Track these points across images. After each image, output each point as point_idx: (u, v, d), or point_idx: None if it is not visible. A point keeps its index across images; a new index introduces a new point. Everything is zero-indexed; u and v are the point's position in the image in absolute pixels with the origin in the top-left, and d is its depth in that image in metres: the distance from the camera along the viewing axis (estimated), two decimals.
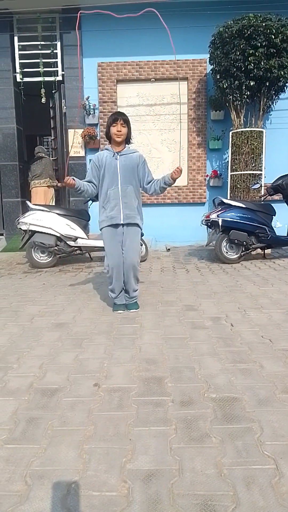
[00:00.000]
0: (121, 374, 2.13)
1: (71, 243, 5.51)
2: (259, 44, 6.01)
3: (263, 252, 5.95)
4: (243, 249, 5.45)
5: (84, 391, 1.95)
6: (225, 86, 6.39)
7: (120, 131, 3.26)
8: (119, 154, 3.30)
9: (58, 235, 5.43)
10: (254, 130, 6.61)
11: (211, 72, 6.86)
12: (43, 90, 7.61)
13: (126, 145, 3.40)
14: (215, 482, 1.30)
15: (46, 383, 2.05)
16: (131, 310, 3.42)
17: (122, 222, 3.29)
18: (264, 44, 6.03)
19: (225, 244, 5.45)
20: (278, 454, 1.43)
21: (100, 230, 3.43)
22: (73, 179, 3.24)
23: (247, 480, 1.31)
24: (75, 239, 5.50)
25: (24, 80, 7.72)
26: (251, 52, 6.04)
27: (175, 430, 1.60)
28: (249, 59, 6.05)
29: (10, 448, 1.52)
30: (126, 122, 3.31)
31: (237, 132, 6.67)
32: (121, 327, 2.93)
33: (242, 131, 6.61)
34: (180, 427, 1.62)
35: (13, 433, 1.61)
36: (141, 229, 3.45)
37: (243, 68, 6.15)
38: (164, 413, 1.73)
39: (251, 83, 6.23)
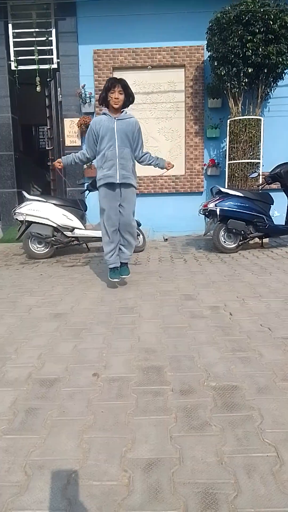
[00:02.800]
0: (120, 363, 2.12)
1: (68, 233, 5.47)
2: (257, 30, 5.93)
3: (261, 241, 5.94)
4: (241, 238, 5.43)
5: (83, 381, 1.94)
6: (222, 73, 6.31)
7: (118, 98, 3.41)
8: (117, 119, 3.45)
9: (55, 225, 5.39)
10: (252, 118, 6.54)
11: (208, 59, 6.77)
12: (38, 78, 7.48)
13: (124, 110, 3.53)
14: (215, 470, 1.30)
15: (45, 373, 2.04)
16: (123, 276, 3.74)
17: (118, 182, 3.46)
18: (262, 30, 5.94)
19: (223, 233, 5.43)
20: (278, 442, 1.43)
21: (98, 188, 3.62)
22: (60, 162, 3.62)
23: (248, 468, 1.31)
24: (72, 229, 5.46)
25: (18, 68, 7.59)
26: (249, 38, 5.95)
27: (175, 419, 1.59)
28: (247, 45, 5.97)
29: (9, 438, 1.51)
30: (124, 88, 3.44)
31: (235, 120, 6.61)
32: (120, 317, 2.92)
33: (240, 119, 6.55)
34: (180, 416, 1.61)
35: (12, 424, 1.60)
36: (136, 188, 3.66)
37: (241, 55, 6.07)
38: (164, 402, 1.72)
39: (249, 70, 6.16)
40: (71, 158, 3.68)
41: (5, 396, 1.81)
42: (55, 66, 7.61)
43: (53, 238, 5.42)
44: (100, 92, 3.54)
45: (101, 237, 5.49)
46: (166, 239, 6.96)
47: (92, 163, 7.53)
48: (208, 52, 6.64)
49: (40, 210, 5.35)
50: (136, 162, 3.70)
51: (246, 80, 6.30)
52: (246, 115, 6.61)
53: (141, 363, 2.11)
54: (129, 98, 3.52)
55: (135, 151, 3.60)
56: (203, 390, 1.81)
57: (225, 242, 5.46)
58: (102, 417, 1.62)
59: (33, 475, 1.31)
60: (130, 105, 3.63)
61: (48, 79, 7.82)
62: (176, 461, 1.35)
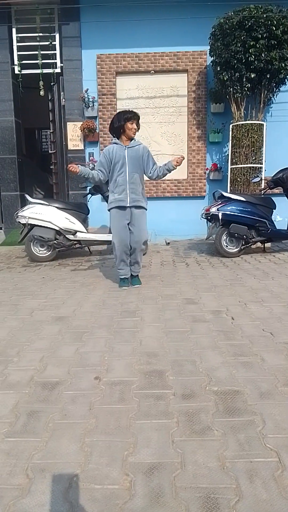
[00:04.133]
0: (122, 367, 2.12)
1: (70, 236, 5.49)
2: (260, 36, 5.94)
3: (263, 246, 5.94)
4: (243, 242, 5.44)
5: (85, 384, 1.94)
6: (225, 78, 6.32)
7: (135, 129, 3.77)
8: (127, 147, 3.77)
9: (57, 228, 5.40)
10: (254, 123, 6.56)
11: (211, 64, 6.80)
12: (41, 83, 7.52)
13: (133, 140, 3.83)
14: (217, 475, 1.30)
15: (47, 376, 2.04)
16: (135, 286, 3.98)
17: (128, 205, 3.76)
18: (265, 35, 5.95)
19: (225, 237, 5.43)
20: (280, 447, 1.43)
21: (109, 210, 3.90)
22: (78, 167, 3.72)
23: (250, 473, 1.30)
24: (74, 232, 5.48)
25: (22, 72, 7.63)
26: (251, 43, 5.97)
27: (177, 423, 1.59)
28: (250, 51, 5.98)
29: (11, 441, 1.51)
30: (138, 121, 3.80)
31: (237, 125, 6.62)
32: (122, 320, 2.92)
33: (242, 124, 6.57)
34: (182, 420, 1.61)
35: (14, 427, 1.60)
36: (146, 209, 3.91)
37: (244, 60, 6.08)
38: (165, 406, 1.72)
39: (252, 75, 6.17)
40: (89, 172, 3.80)
41: (7, 399, 1.81)
42: (58, 70, 7.65)
43: (55, 241, 5.44)
44: (112, 119, 3.84)
45: (102, 241, 5.55)
46: (168, 243, 6.97)
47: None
48: (211, 57, 6.67)
49: (42, 213, 5.37)
50: (150, 179, 3.98)
51: (249, 85, 6.31)
52: (248, 120, 6.63)
53: (143, 367, 2.11)
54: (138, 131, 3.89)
55: (147, 171, 3.86)
56: (205, 394, 1.81)
57: (227, 246, 5.46)
58: (104, 421, 1.62)
59: (34, 478, 1.31)
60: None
61: (51, 83, 7.86)
62: (177, 466, 1.35)
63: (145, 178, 3.93)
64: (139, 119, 3.82)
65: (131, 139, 3.81)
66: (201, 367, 2.09)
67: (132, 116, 3.74)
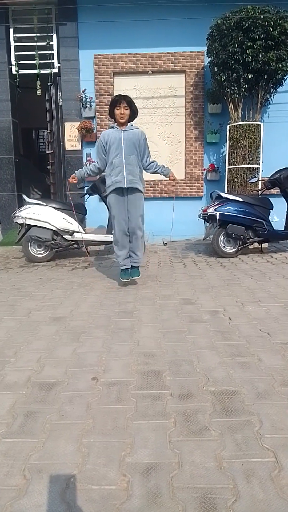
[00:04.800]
0: (119, 367, 2.12)
1: (68, 237, 5.48)
2: (257, 37, 5.96)
3: (260, 246, 5.95)
4: (241, 243, 5.44)
5: (82, 385, 1.94)
6: (222, 79, 6.34)
7: (123, 114, 3.70)
8: (123, 130, 3.74)
9: (55, 229, 5.39)
10: (251, 124, 6.57)
11: (208, 64, 6.81)
12: (38, 83, 7.51)
13: (129, 123, 3.80)
14: (214, 475, 1.30)
15: (44, 377, 2.04)
16: (134, 277, 3.98)
17: (125, 186, 3.70)
18: (262, 36, 5.97)
19: (222, 238, 5.44)
20: (277, 447, 1.43)
21: (107, 196, 3.89)
22: (74, 177, 3.92)
23: (247, 473, 1.31)
24: (71, 233, 5.47)
25: (19, 73, 7.62)
26: (249, 44, 5.99)
27: (174, 424, 1.59)
28: (247, 51, 6.00)
29: (8, 442, 1.51)
30: (129, 104, 3.72)
31: (234, 125, 6.64)
32: (119, 321, 2.92)
33: (239, 124, 6.58)
34: (179, 420, 1.61)
35: (11, 427, 1.60)
36: (143, 194, 3.87)
37: (241, 61, 6.10)
38: (163, 406, 1.72)
39: (249, 76, 6.19)
40: (84, 171, 3.95)
41: (4, 400, 1.81)
42: (55, 70, 7.64)
43: (52, 242, 5.43)
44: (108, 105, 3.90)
45: (100, 241, 5.55)
46: (166, 243, 6.97)
47: None
48: (208, 58, 6.69)
49: (40, 213, 5.36)
50: (142, 168, 3.91)
51: (246, 86, 6.33)
52: (246, 121, 6.65)
53: (140, 367, 2.11)
54: (134, 113, 3.81)
55: (142, 160, 3.84)
56: (202, 394, 1.81)
57: (224, 246, 5.47)
58: (101, 421, 1.62)
59: (32, 479, 1.31)
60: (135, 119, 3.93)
61: (48, 84, 7.85)
62: (175, 466, 1.35)
63: None
64: (129, 101, 3.72)
65: (127, 123, 3.78)
66: (198, 368, 2.09)
67: (116, 101, 3.70)
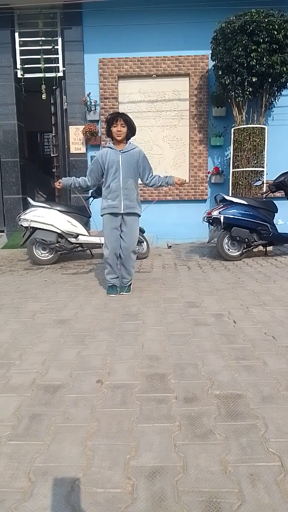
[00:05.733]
0: (124, 370, 2.12)
1: (72, 240, 5.50)
2: (261, 40, 5.97)
3: (264, 249, 5.94)
4: (245, 246, 5.44)
5: (87, 387, 1.94)
6: (227, 82, 6.36)
7: (120, 131, 3.58)
8: (121, 151, 3.62)
9: (59, 231, 5.41)
10: (256, 127, 6.58)
11: (213, 68, 6.83)
12: (43, 86, 7.57)
13: (128, 142, 3.68)
14: (220, 479, 1.30)
15: (49, 379, 2.04)
16: (122, 293, 3.82)
17: (122, 212, 3.65)
18: (266, 40, 5.99)
19: (226, 241, 5.43)
20: (283, 451, 1.42)
21: (101, 216, 3.78)
22: (60, 183, 3.84)
23: (252, 477, 1.30)
24: (76, 236, 5.48)
25: (25, 76, 7.68)
26: (253, 48, 6.00)
27: (179, 427, 1.59)
28: (252, 55, 6.02)
29: (13, 444, 1.51)
30: (126, 122, 3.60)
31: (239, 128, 6.64)
32: (124, 323, 2.92)
33: (244, 127, 6.59)
34: (184, 424, 1.61)
35: (16, 430, 1.60)
36: (140, 216, 3.80)
37: (245, 64, 6.11)
38: (167, 409, 1.72)
39: (253, 79, 6.20)
40: (72, 181, 3.83)
41: (9, 402, 1.82)
42: (60, 74, 7.70)
43: (57, 244, 5.45)
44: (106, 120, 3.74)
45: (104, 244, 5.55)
46: (170, 246, 6.97)
47: None
48: (213, 61, 6.71)
49: (44, 216, 5.38)
50: (145, 185, 3.87)
51: (250, 89, 6.34)
52: (250, 124, 6.65)
53: (145, 370, 2.11)
54: (131, 130, 3.67)
55: (143, 178, 3.77)
56: (207, 398, 1.81)
57: (229, 249, 5.46)
58: (106, 424, 1.62)
59: (36, 481, 1.31)
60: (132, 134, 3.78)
61: (53, 87, 7.92)
62: (180, 469, 1.35)
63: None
64: (125, 118, 3.60)
65: (126, 141, 3.66)
66: (203, 371, 2.09)
67: (112, 118, 3.58)
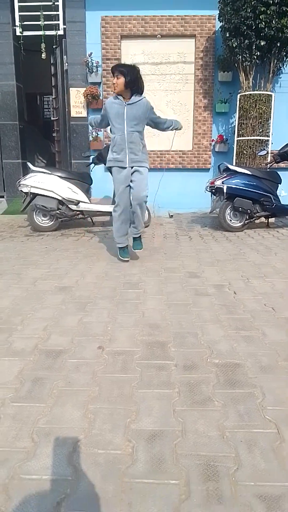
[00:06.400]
0: (125, 338, 2.15)
1: (73, 207, 5.44)
2: (271, 2, 5.68)
3: (266, 221, 5.90)
4: (247, 217, 5.39)
5: (88, 353, 1.97)
6: (234, 45, 6.11)
7: (115, 83, 3.50)
8: (127, 103, 3.52)
9: (60, 198, 5.35)
10: (262, 94, 6.38)
11: (220, 29, 6.54)
12: (43, 45, 7.24)
13: (134, 95, 3.54)
14: (217, 444, 1.34)
15: (51, 345, 2.07)
16: (136, 250, 3.91)
17: (127, 166, 3.62)
18: (276, 1, 5.70)
19: (229, 211, 5.38)
20: (279, 419, 1.46)
21: (108, 168, 3.80)
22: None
23: (249, 443, 1.34)
24: (77, 203, 5.42)
25: (24, 34, 7.34)
26: (262, 9, 5.72)
27: (178, 393, 1.62)
28: (260, 17, 5.74)
29: (17, 406, 1.55)
30: (122, 73, 3.46)
31: (245, 95, 6.44)
32: (124, 292, 2.94)
33: (250, 94, 6.39)
34: (183, 391, 1.64)
35: (19, 392, 1.64)
36: (147, 168, 3.74)
37: (254, 27, 5.85)
38: (167, 376, 1.75)
39: (262, 43, 5.95)
40: (94, 120, 3.97)
41: (12, 366, 1.85)
42: (61, 32, 7.35)
43: (58, 211, 5.40)
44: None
45: (105, 212, 5.51)
46: (172, 215, 6.92)
47: (98, 135, 7.41)
48: (220, 22, 6.41)
49: (45, 182, 5.30)
50: (161, 130, 3.93)
51: (258, 53, 6.10)
52: (257, 90, 6.44)
53: (146, 338, 2.14)
54: (132, 79, 3.44)
55: (158, 127, 3.81)
56: (206, 366, 1.84)
57: (231, 220, 5.42)
58: (107, 389, 1.66)
59: (40, 442, 1.35)
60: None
61: (54, 46, 7.58)
62: (178, 434, 1.39)
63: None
64: (121, 70, 3.44)
65: (131, 94, 3.51)
66: (202, 340, 2.12)
67: (112, 72, 3.53)
